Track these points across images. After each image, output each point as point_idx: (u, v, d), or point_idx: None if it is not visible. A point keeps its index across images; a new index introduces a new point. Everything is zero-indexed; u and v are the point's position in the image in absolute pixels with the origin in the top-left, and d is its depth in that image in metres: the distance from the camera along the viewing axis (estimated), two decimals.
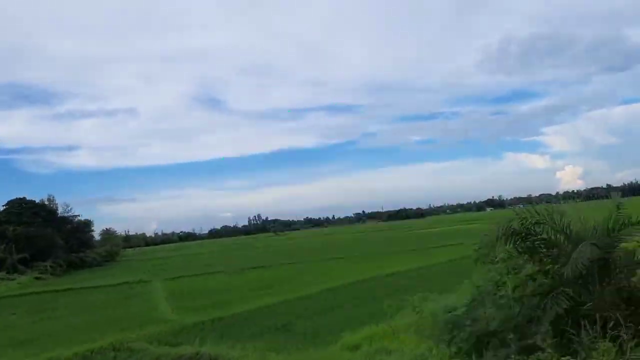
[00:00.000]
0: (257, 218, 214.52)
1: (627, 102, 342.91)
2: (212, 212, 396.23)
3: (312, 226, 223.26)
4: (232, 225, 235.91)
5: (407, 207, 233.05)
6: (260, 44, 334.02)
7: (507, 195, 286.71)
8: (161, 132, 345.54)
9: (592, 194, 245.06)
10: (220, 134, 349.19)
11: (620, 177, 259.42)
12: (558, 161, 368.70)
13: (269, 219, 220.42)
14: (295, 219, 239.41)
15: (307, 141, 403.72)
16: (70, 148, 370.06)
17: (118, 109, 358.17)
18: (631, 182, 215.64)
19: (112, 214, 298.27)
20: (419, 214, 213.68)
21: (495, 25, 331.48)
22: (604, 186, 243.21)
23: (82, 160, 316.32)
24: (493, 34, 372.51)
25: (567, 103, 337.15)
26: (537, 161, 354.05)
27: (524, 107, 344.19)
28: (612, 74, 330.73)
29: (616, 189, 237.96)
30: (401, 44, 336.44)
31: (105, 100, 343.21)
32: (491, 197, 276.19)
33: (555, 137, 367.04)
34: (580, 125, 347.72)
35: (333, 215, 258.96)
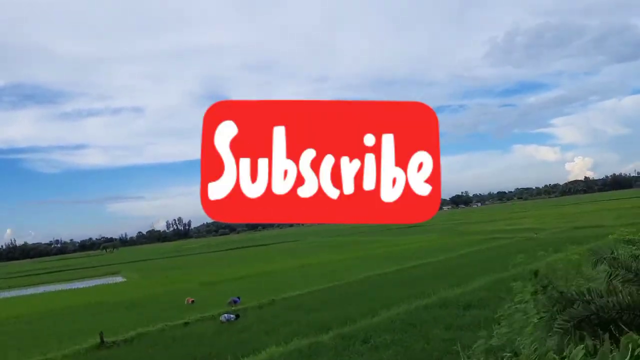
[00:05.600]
0: (177, 222, 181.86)
1: (637, 91, 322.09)
2: None
3: (249, 229, 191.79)
4: (160, 230, 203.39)
5: None
6: (264, 40, 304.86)
7: (508, 187, 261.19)
8: (168, 130, 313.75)
9: (569, 189, 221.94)
10: None
11: (632, 168, 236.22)
12: (568, 153, 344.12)
13: (191, 224, 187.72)
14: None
15: None
16: (78, 147, 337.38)
17: (125, 107, 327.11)
18: (614, 174, 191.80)
19: (121, 212, 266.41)
20: None
21: (502, 17, 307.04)
22: (582, 179, 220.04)
23: (90, 159, 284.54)
24: (499, 25, 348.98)
25: (576, 94, 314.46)
26: (546, 153, 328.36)
27: (533, 99, 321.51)
28: (621, 63, 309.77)
29: (596, 182, 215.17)
30: (406, 37, 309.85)
31: (111, 99, 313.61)
32: (459, 194, 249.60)
33: (565, 128, 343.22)
34: (590, 116, 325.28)
35: None
